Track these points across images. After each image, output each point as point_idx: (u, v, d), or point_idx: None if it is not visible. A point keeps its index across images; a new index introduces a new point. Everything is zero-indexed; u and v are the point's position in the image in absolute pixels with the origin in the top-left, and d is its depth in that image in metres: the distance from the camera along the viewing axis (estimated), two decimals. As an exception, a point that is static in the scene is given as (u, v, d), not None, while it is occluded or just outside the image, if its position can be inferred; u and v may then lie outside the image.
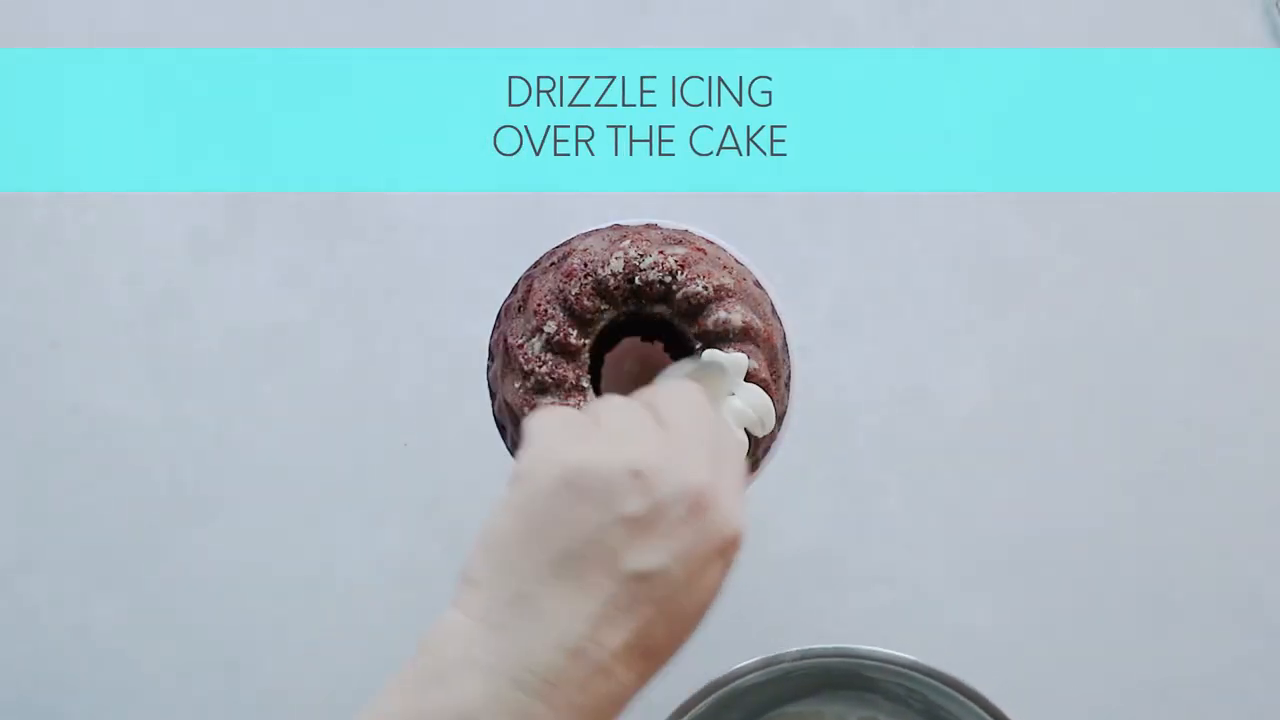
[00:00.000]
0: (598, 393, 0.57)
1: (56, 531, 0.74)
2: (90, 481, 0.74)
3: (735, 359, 0.53)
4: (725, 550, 0.38)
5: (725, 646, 0.72)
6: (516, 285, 0.59)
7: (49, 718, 0.73)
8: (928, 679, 0.60)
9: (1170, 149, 0.75)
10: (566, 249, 0.58)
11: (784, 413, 0.58)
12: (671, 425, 0.38)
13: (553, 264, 0.57)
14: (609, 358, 0.60)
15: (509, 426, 0.59)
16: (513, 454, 0.60)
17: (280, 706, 0.72)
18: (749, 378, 0.54)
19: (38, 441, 0.74)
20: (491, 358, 0.59)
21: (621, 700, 0.37)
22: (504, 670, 0.35)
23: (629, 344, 0.60)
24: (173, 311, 0.75)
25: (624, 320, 0.57)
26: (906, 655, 0.61)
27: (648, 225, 0.59)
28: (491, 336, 0.60)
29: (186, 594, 0.73)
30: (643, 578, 0.36)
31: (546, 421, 0.38)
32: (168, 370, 0.74)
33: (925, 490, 0.73)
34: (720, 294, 0.55)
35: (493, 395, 0.59)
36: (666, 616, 0.36)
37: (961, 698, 0.59)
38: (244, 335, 0.75)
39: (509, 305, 0.59)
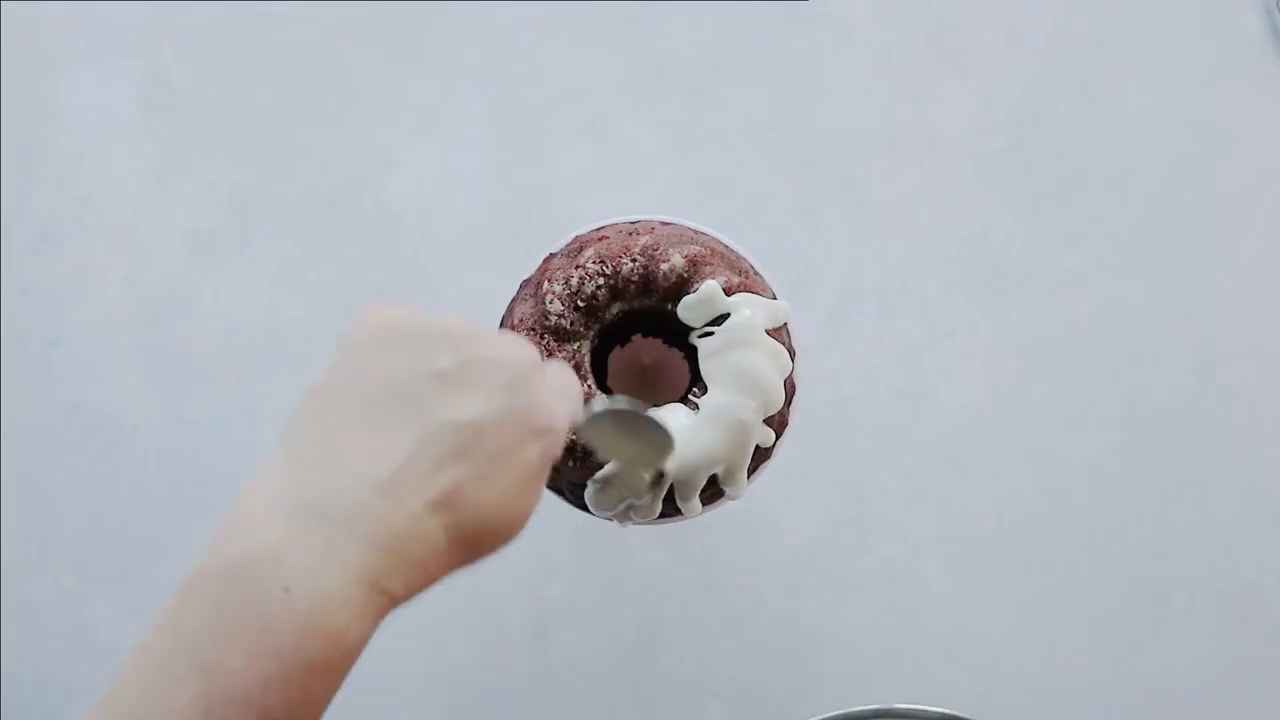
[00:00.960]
0: (602, 385, 0.58)
1: (56, 531, 0.74)
2: (90, 481, 0.74)
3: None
4: (540, 435, 0.38)
5: (725, 646, 0.73)
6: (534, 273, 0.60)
7: (49, 717, 0.73)
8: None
9: (1170, 149, 0.75)
10: (580, 242, 0.58)
11: (784, 423, 0.58)
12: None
13: (567, 255, 0.58)
14: (616, 354, 0.60)
15: None
16: None
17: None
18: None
19: (37, 441, 0.74)
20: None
21: (434, 559, 0.37)
22: (308, 505, 0.35)
23: (639, 342, 0.60)
24: (173, 311, 0.75)
25: (631, 314, 0.57)
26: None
27: (663, 223, 0.59)
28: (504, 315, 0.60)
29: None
30: (454, 427, 0.36)
31: (375, 302, 0.39)
32: (168, 370, 0.74)
33: (925, 490, 0.73)
34: (730, 291, 0.56)
35: None
36: (477, 477, 0.37)
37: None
38: (244, 335, 0.75)
39: (526, 281, 0.59)
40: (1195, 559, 0.72)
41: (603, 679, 0.72)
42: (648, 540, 0.73)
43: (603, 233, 0.58)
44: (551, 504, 0.61)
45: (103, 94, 0.77)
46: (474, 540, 0.38)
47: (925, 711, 0.59)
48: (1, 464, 0.74)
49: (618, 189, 0.75)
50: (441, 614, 0.73)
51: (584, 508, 0.58)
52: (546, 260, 0.59)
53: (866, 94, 0.76)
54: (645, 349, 0.61)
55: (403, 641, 0.73)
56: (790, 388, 0.58)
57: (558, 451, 0.39)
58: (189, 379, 0.74)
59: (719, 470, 0.56)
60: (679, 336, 0.57)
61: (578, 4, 0.77)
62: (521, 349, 0.39)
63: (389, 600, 0.37)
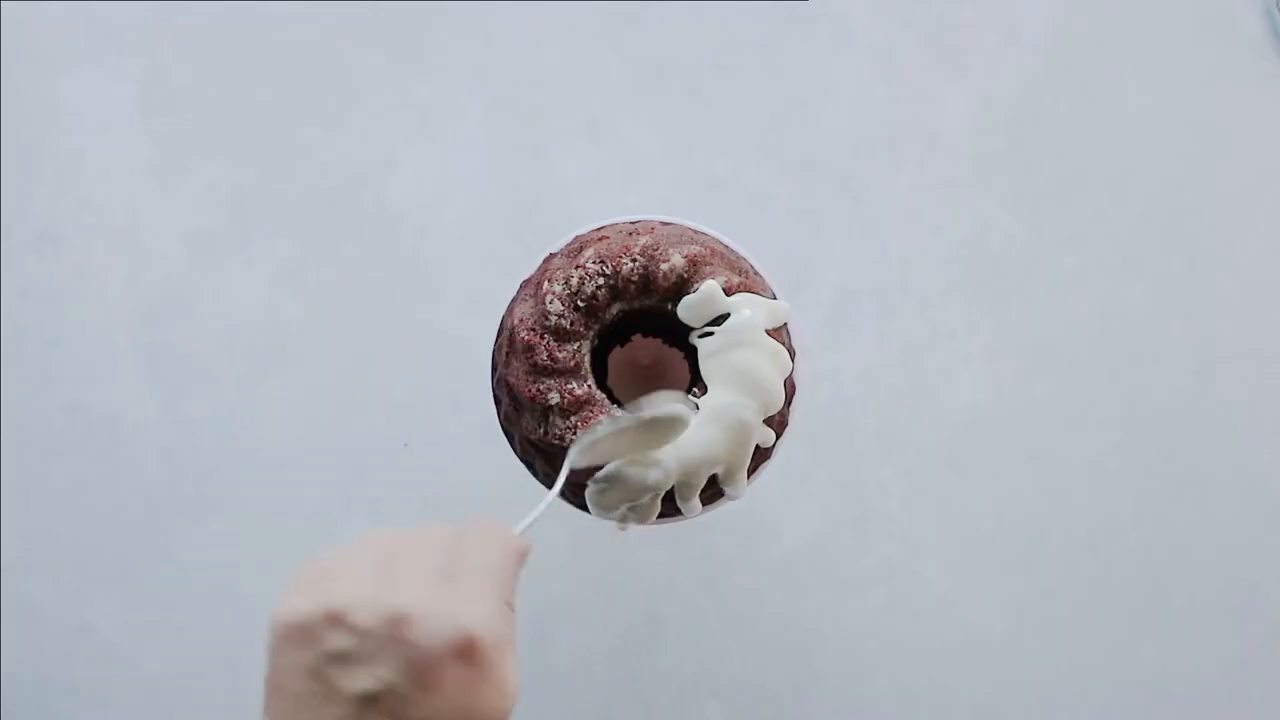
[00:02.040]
0: (602, 384, 0.58)
1: (56, 531, 0.74)
2: (90, 481, 0.74)
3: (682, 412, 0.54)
4: (459, 654, 0.40)
5: (725, 646, 0.73)
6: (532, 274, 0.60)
7: (49, 717, 0.73)
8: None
9: (1170, 149, 0.75)
10: (580, 242, 0.58)
11: (784, 423, 0.58)
12: (393, 555, 0.42)
13: (567, 255, 0.58)
14: (616, 354, 0.60)
15: (504, 399, 0.59)
16: (504, 426, 0.60)
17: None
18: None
19: (37, 441, 0.74)
20: (499, 334, 0.59)
21: None
22: None
23: (639, 342, 0.60)
24: (173, 311, 0.75)
25: (631, 314, 0.57)
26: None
27: (663, 223, 0.59)
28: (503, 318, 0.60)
29: (186, 593, 0.73)
30: (368, 699, 0.39)
31: (294, 573, 0.42)
32: (168, 370, 0.74)
33: (925, 490, 0.73)
34: (730, 291, 0.56)
35: (494, 369, 0.59)
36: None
37: None
38: (244, 335, 0.75)
39: (526, 281, 0.59)
40: (1195, 559, 0.72)
41: (603, 679, 0.72)
42: (648, 540, 0.73)
43: (603, 233, 0.58)
44: (551, 504, 0.61)
45: (103, 94, 0.77)
46: None
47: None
48: (1, 464, 0.74)
49: (618, 189, 0.75)
50: (441, 614, 0.73)
51: (584, 508, 0.58)
52: (546, 260, 0.59)
53: (866, 94, 0.76)
54: (645, 349, 0.61)
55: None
56: (790, 388, 0.58)
57: (498, 644, 0.41)
58: (189, 379, 0.74)
59: (719, 470, 0.56)
60: (679, 336, 0.57)
61: (578, 4, 0.77)
62: (398, 592, 0.40)
63: None
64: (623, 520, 0.57)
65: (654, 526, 0.60)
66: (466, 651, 0.40)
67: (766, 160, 0.75)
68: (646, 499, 0.56)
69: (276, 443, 0.74)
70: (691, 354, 0.57)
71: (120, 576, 0.73)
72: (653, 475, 0.55)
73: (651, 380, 0.60)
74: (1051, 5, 0.76)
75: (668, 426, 0.53)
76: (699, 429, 0.55)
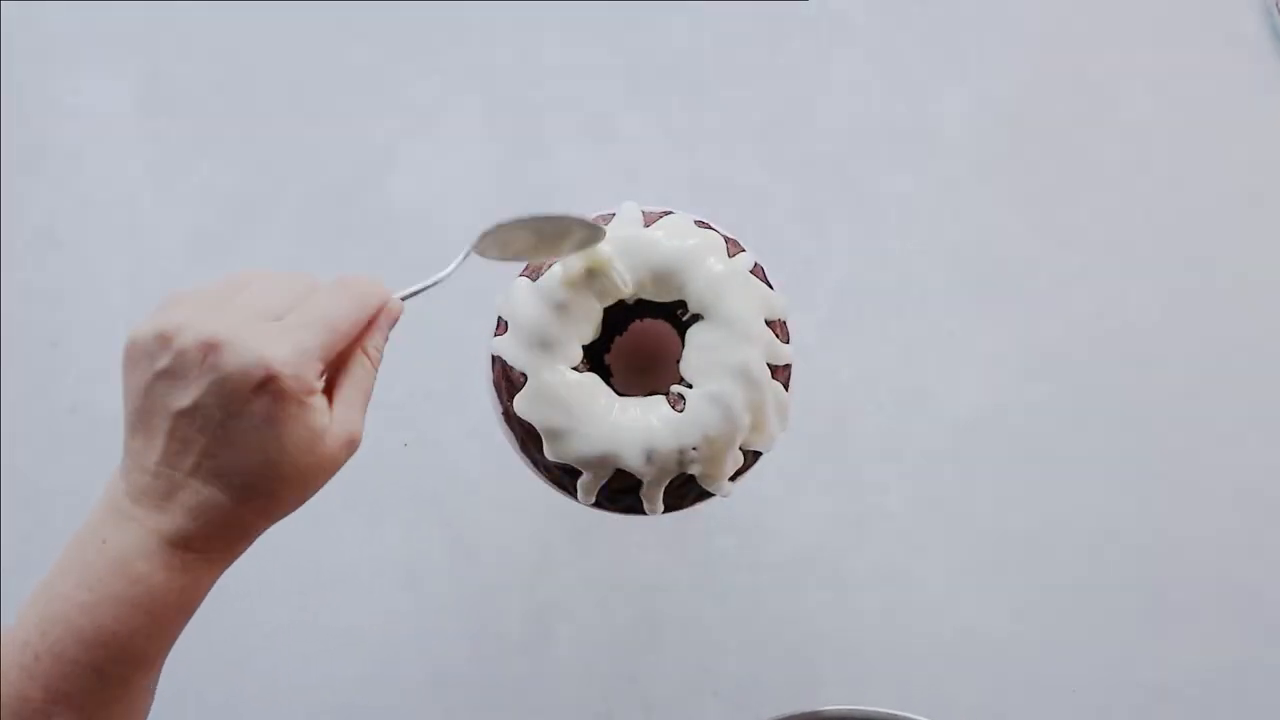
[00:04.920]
0: (600, 370, 0.58)
1: (56, 531, 0.74)
2: (90, 481, 0.74)
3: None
4: (260, 386, 0.44)
5: (725, 645, 0.73)
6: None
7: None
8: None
9: (1170, 149, 0.75)
10: None
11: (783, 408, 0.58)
12: (240, 290, 0.47)
13: None
14: (620, 341, 0.60)
15: (517, 431, 0.59)
16: (526, 458, 0.60)
17: (280, 704, 0.72)
18: None
19: (37, 441, 0.74)
20: (493, 365, 0.59)
21: (224, 514, 0.45)
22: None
23: (638, 326, 0.60)
24: (173, 311, 0.75)
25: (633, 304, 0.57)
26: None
27: (665, 212, 0.59)
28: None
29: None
30: (184, 413, 0.44)
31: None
32: (168, 370, 0.74)
33: (925, 490, 0.73)
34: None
35: (499, 404, 0.59)
36: (221, 443, 0.44)
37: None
38: (244, 335, 0.75)
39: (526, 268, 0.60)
40: (1195, 559, 0.72)
41: (603, 679, 0.72)
42: (648, 540, 0.73)
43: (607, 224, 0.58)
44: (552, 504, 0.61)
45: (103, 94, 0.77)
46: (261, 490, 0.45)
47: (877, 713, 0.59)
48: (1, 464, 0.74)
49: (618, 189, 0.75)
50: (442, 614, 0.73)
51: (567, 491, 0.58)
52: None
53: (866, 94, 0.76)
54: (645, 332, 0.60)
55: (403, 641, 0.73)
56: (785, 377, 0.57)
57: (296, 385, 0.44)
58: (189, 379, 0.74)
59: (697, 461, 0.55)
60: (678, 319, 0.58)
61: (578, 4, 0.77)
62: (216, 321, 0.44)
63: (197, 554, 0.45)
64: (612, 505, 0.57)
65: (653, 526, 0.60)
66: (266, 384, 0.44)
67: (766, 160, 0.75)
68: (650, 479, 0.55)
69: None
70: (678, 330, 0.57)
71: (120, 576, 0.73)
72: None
73: (652, 363, 0.60)
74: (1051, 5, 0.76)
75: (564, 231, 0.54)
76: (689, 412, 0.55)
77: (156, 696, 0.53)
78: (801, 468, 0.73)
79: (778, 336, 0.57)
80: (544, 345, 0.56)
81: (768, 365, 0.56)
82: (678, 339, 0.58)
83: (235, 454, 0.44)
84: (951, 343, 0.74)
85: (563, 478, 0.58)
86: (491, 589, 0.73)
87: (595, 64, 0.77)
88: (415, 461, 0.74)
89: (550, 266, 0.57)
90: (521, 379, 0.56)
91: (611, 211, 0.59)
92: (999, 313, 0.74)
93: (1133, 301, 0.74)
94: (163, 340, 0.44)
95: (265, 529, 0.46)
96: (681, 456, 0.55)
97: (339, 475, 0.74)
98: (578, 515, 0.60)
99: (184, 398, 0.44)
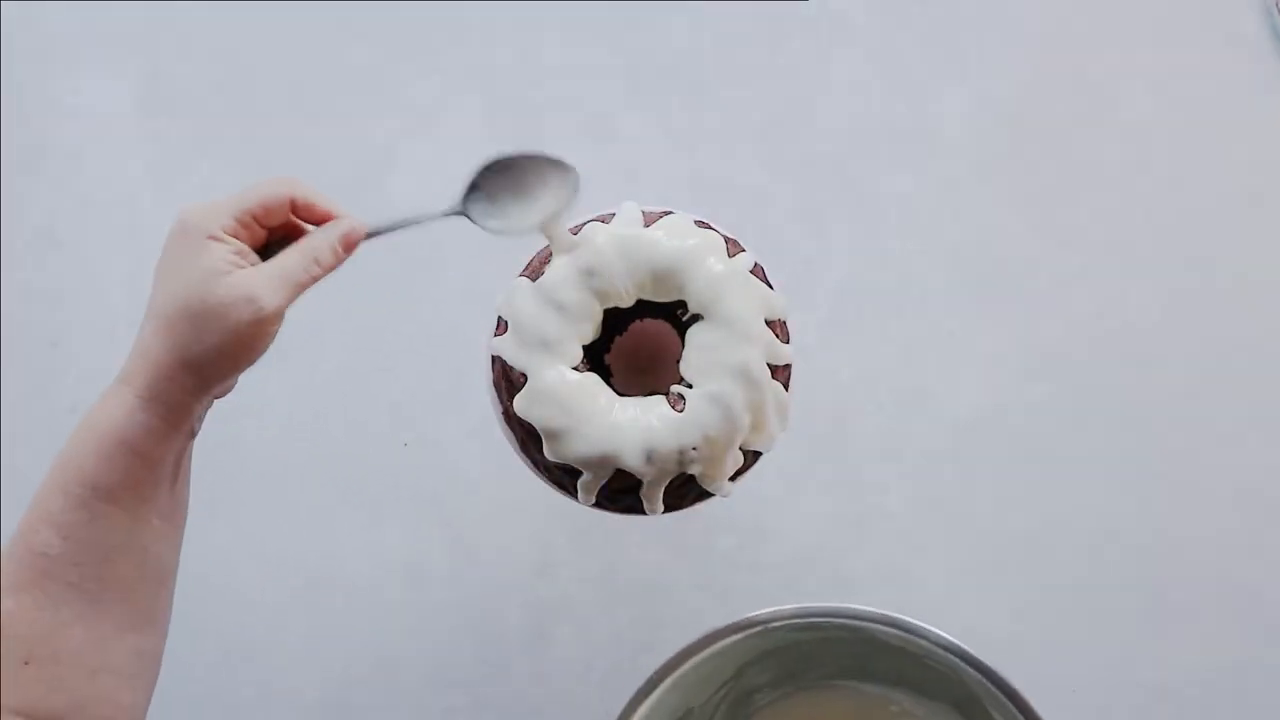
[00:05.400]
0: (600, 370, 0.58)
1: (56, 531, 0.74)
2: (90, 481, 0.74)
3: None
4: (174, 230, 0.52)
5: (725, 646, 0.73)
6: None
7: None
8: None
9: (1170, 149, 0.75)
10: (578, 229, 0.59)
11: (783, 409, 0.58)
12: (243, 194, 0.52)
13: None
14: (620, 341, 0.60)
15: (518, 432, 0.59)
16: (526, 459, 0.60)
17: (280, 704, 0.72)
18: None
19: (37, 441, 0.74)
20: (493, 365, 0.59)
21: (153, 353, 0.51)
22: (118, 378, 0.52)
23: (638, 326, 0.60)
24: (173, 311, 0.75)
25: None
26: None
27: (665, 212, 0.59)
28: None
29: (186, 592, 0.73)
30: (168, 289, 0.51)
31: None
32: (168, 370, 0.74)
33: (925, 490, 0.73)
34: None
35: (493, 361, 0.59)
36: (155, 284, 0.52)
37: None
38: (244, 335, 0.75)
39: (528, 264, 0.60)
40: (1195, 559, 0.72)
41: (603, 679, 0.72)
42: (648, 540, 0.73)
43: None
44: (552, 504, 0.61)
45: (103, 94, 0.77)
46: (177, 325, 0.50)
47: (868, 612, 0.59)
48: (2, 464, 0.74)
49: (618, 189, 0.75)
50: (442, 613, 0.73)
51: (568, 492, 0.58)
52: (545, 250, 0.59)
53: (866, 94, 0.76)
54: (645, 332, 0.60)
55: (403, 641, 0.73)
56: (785, 377, 0.57)
57: (194, 226, 0.51)
58: (189, 379, 0.74)
59: (697, 461, 0.55)
60: (678, 319, 0.58)
61: (578, 4, 0.77)
62: (219, 205, 0.51)
63: (144, 398, 0.51)
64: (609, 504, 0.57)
65: (654, 526, 0.60)
66: (175, 228, 0.51)
67: (766, 160, 0.75)
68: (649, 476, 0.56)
69: (277, 443, 0.74)
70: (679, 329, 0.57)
71: (120, 576, 0.73)
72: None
73: (652, 363, 0.60)
74: (1051, 5, 0.76)
75: (541, 177, 0.57)
76: (690, 410, 0.55)
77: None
78: (801, 468, 0.73)
79: (778, 336, 0.57)
80: (544, 345, 0.55)
81: (768, 365, 0.56)
82: (678, 339, 0.58)
83: (157, 290, 0.51)
84: (951, 343, 0.74)
85: (563, 478, 0.58)
86: (491, 589, 0.73)
87: (595, 64, 0.77)
88: (415, 461, 0.74)
89: (550, 264, 0.57)
90: (521, 379, 0.56)
91: (611, 211, 0.59)
92: (999, 313, 0.74)
93: (1133, 301, 0.74)
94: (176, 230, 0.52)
95: (199, 386, 0.51)
96: (681, 456, 0.55)
97: (340, 475, 0.74)
98: (578, 515, 0.60)
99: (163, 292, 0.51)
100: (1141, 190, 0.75)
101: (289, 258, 0.52)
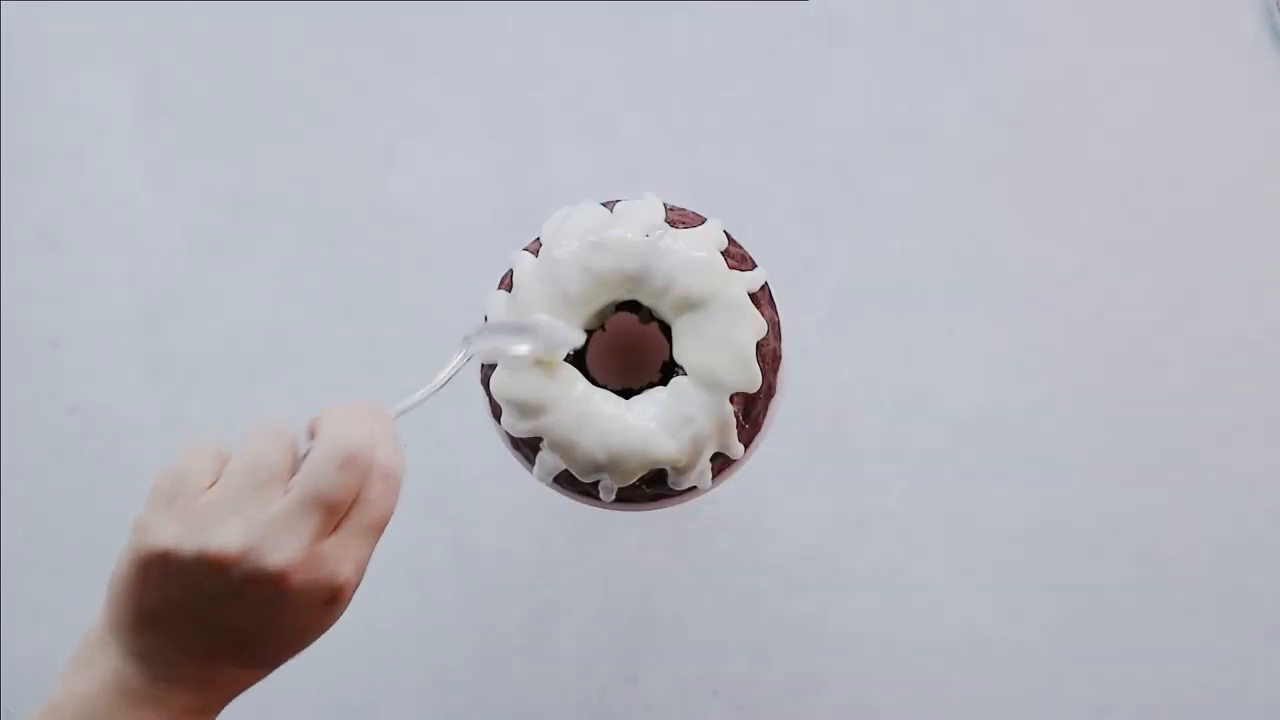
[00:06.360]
0: (581, 365, 0.58)
1: (56, 531, 0.74)
2: (90, 481, 0.74)
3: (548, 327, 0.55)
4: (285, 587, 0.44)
5: (725, 645, 0.73)
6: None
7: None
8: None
9: (1170, 149, 0.75)
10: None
11: (772, 389, 0.58)
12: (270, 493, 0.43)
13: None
14: (597, 337, 0.60)
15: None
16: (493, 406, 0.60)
17: (279, 705, 0.72)
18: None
19: (37, 441, 0.74)
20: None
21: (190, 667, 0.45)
22: (113, 665, 0.45)
23: (618, 318, 0.60)
24: (173, 312, 0.75)
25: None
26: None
27: (668, 206, 0.59)
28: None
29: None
30: (219, 624, 0.44)
31: (159, 485, 0.44)
32: (168, 370, 0.74)
33: (925, 490, 0.73)
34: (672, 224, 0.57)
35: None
36: (230, 631, 0.44)
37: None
38: (244, 335, 0.75)
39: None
40: (1195, 559, 0.72)
41: (603, 679, 0.72)
42: (648, 540, 0.73)
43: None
44: (552, 504, 0.61)
45: (103, 94, 0.77)
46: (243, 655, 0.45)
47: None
48: (1, 464, 0.74)
49: (618, 189, 0.75)
50: (442, 613, 0.73)
51: (576, 490, 0.58)
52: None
53: (866, 94, 0.76)
54: (622, 325, 0.60)
55: (403, 641, 0.73)
56: (774, 357, 0.57)
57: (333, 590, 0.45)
58: (189, 379, 0.74)
59: (675, 459, 0.55)
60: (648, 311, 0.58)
61: (578, 4, 0.77)
62: (281, 548, 0.43)
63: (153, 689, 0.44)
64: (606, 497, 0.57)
65: (654, 526, 0.60)
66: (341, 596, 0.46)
67: (766, 160, 0.75)
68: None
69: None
70: (667, 327, 0.57)
71: (120, 576, 0.73)
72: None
73: (631, 357, 0.60)
74: (1051, 5, 0.76)
75: (539, 334, 0.55)
76: (673, 401, 0.55)
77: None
78: (801, 468, 0.73)
79: (762, 308, 0.57)
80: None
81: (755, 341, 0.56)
82: (657, 332, 0.58)
83: (250, 654, 0.46)
84: (951, 343, 0.74)
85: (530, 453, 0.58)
86: (492, 589, 0.73)
87: (595, 64, 0.77)
88: (415, 461, 0.74)
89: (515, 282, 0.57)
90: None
91: (617, 199, 0.59)
92: (999, 313, 0.74)
93: (1133, 301, 0.74)
94: (214, 567, 0.42)
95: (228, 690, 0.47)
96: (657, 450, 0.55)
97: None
98: (578, 515, 0.60)
99: (227, 615, 0.43)
100: (1141, 190, 0.75)
101: (366, 509, 0.46)
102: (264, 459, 0.43)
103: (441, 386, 0.52)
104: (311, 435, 0.45)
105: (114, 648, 0.44)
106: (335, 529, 0.44)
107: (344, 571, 0.44)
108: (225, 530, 0.42)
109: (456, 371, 0.53)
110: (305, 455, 0.44)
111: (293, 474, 0.44)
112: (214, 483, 0.43)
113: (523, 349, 0.54)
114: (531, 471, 0.58)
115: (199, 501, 0.43)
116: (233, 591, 0.42)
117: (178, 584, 0.42)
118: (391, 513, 0.46)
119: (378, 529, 0.46)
